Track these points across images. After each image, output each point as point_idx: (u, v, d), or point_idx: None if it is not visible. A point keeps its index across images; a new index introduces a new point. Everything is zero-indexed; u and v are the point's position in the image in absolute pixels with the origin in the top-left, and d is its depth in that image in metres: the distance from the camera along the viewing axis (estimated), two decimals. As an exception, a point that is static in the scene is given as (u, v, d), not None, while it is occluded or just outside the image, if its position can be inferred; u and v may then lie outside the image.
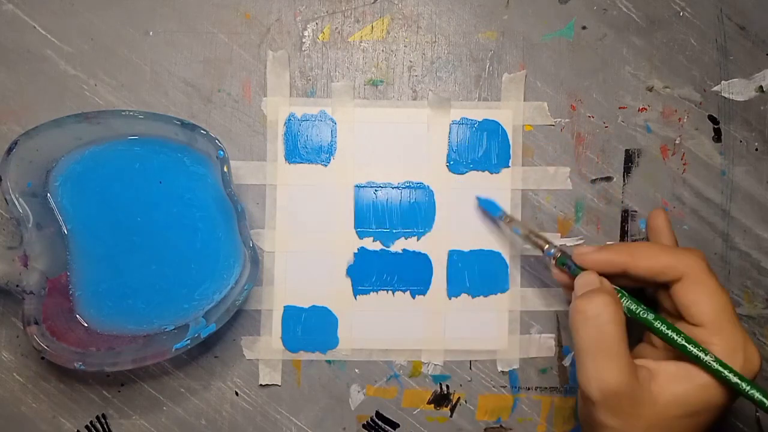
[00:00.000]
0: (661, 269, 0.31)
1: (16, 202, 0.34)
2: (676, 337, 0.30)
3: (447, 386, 0.39)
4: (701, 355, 0.29)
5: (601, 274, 0.32)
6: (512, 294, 0.39)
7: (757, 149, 0.40)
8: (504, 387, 0.39)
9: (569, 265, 0.33)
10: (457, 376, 0.39)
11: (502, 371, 0.39)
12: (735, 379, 0.28)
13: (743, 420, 0.39)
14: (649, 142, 0.39)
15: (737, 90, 0.40)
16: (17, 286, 0.34)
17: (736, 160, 0.40)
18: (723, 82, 0.40)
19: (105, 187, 0.37)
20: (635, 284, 0.32)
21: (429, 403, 0.39)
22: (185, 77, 0.39)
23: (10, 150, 0.33)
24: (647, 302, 0.32)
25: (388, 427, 0.39)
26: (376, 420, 0.39)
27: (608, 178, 0.39)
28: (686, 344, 0.30)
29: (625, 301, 0.31)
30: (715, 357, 0.29)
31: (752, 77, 0.40)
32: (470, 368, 0.39)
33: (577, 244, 0.38)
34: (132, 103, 0.39)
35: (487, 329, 0.39)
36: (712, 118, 0.40)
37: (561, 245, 0.34)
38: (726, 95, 0.40)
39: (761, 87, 0.40)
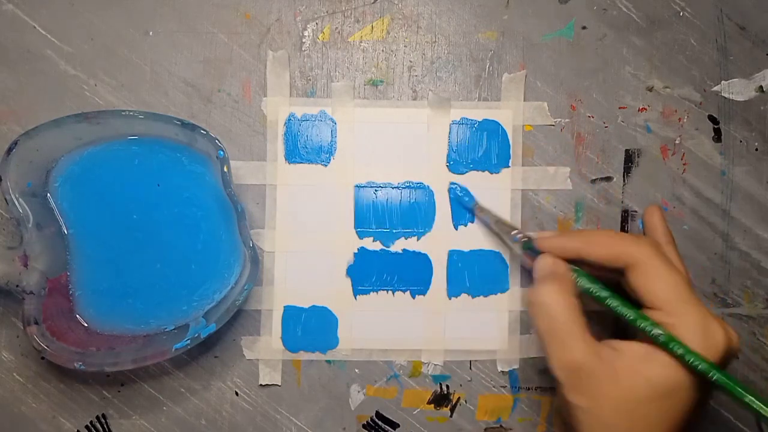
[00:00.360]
0: (613, 256, 0.32)
1: (16, 202, 0.34)
2: (627, 313, 0.31)
3: (447, 386, 0.39)
4: (652, 329, 0.30)
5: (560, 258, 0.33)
6: (512, 294, 0.39)
7: (757, 149, 0.40)
8: (504, 387, 0.39)
9: (533, 249, 0.34)
10: (457, 376, 0.39)
11: (502, 371, 0.39)
12: (680, 351, 0.29)
13: (743, 420, 0.39)
14: (649, 142, 0.39)
15: (737, 90, 0.40)
16: (17, 286, 0.34)
17: (736, 160, 0.40)
18: (723, 82, 0.40)
19: (105, 187, 0.37)
20: (595, 271, 0.33)
21: (429, 403, 0.39)
22: (185, 77, 0.39)
23: (10, 150, 0.33)
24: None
25: (388, 427, 0.39)
26: (376, 420, 0.39)
27: (608, 178, 0.39)
28: (637, 319, 0.30)
29: (580, 280, 0.32)
30: (665, 331, 0.29)
31: (752, 77, 0.40)
32: (470, 368, 0.39)
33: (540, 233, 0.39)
34: (132, 103, 0.39)
35: (487, 329, 0.39)
36: (712, 118, 0.40)
37: (527, 232, 0.36)
38: (726, 95, 0.40)
39: (761, 87, 0.40)
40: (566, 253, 0.33)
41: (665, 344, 0.29)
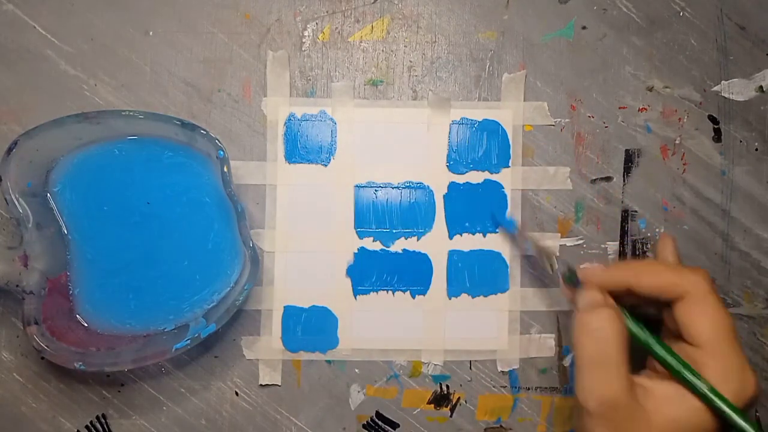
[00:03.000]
0: (664, 287, 0.31)
1: (16, 202, 0.34)
2: (672, 361, 0.30)
3: (447, 386, 0.39)
4: (694, 380, 0.29)
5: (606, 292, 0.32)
6: (512, 294, 0.39)
7: (757, 149, 0.40)
8: (504, 387, 0.39)
9: (576, 283, 0.33)
10: (457, 376, 0.39)
11: (502, 371, 0.39)
12: (725, 408, 0.28)
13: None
14: (649, 142, 0.39)
15: (737, 90, 0.40)
16: (17, 286, 0.34)
17: (736, 160, 0.40)
18: (723, 82, 0.40)
19: (105, 187, 0.37)
20: (639, 302, 0.32)
21: (429, 403, 0.39)
22: (185, 77, 0.39)
23: (10, 150, 0.33)
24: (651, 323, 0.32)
25: (388, 427, 0.39)
26: (376, 420, 0.39)
27: (608, 178, 0.39)
28: (681, 370, 0.30)
29: (626, 322, 0.31)
30: (708, 384, 0.29)
31: (752, 77, 0.40)
32: (470, 368, 0.39)
33: (584, 266, 0.38)
34: (132, 103, 0.39)
35: (487, 329, 0.39)
36: (712, 118, 0.40)
37: (568, 262, 0.35)
38: (726, 95, 0.40)
39: (761, 87, 0.40)
40: (616, 287, 0.32)
41: (707, 398, 0.29)
